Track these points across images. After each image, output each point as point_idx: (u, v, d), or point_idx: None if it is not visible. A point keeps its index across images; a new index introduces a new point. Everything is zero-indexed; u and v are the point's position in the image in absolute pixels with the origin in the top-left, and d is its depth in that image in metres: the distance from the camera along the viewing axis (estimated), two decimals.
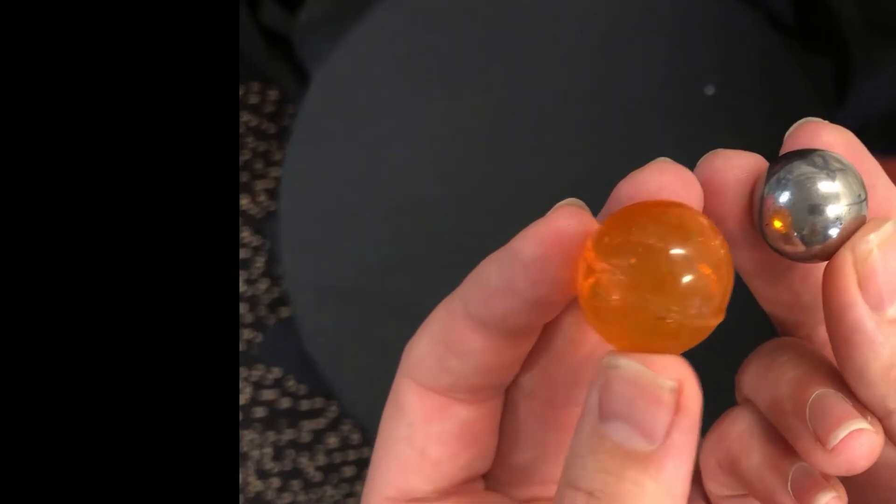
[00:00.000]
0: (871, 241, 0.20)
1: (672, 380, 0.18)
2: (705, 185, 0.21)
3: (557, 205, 0.21)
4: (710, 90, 0.50)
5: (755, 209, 0.21)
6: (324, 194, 0.52)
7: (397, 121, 0.51)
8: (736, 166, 0.21)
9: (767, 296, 0.23)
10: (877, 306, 0.19)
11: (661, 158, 0.21)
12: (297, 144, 0.52)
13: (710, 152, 0.21)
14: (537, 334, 0.22)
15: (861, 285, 0.19)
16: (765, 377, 0.22)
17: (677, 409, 0.18)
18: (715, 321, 0.19)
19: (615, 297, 0.19)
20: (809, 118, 0.21)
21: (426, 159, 0.52)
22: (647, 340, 0.19)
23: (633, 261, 0.19)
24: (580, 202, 0.21)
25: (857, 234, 0.20)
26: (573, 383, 0.23)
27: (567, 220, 0.20)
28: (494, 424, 0.23)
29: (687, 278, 0.19)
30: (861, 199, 0.20)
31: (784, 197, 0.20)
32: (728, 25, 0.50)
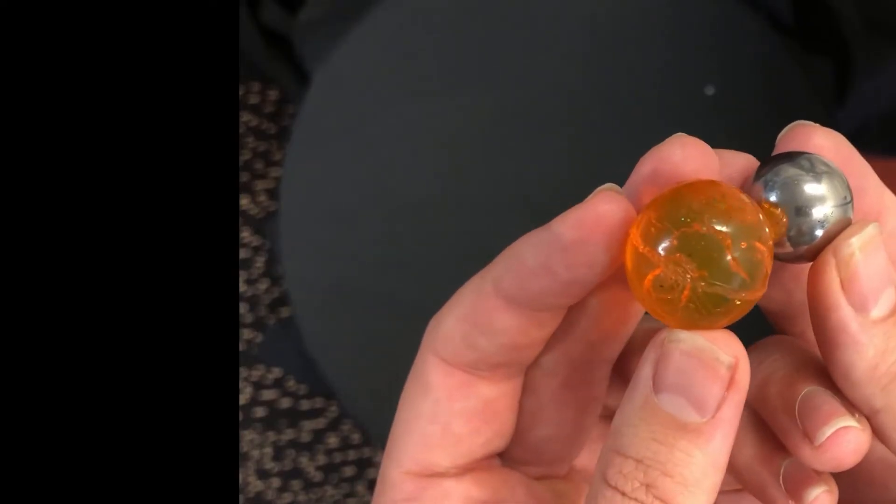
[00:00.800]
0: (853, 244, 0.20)
1: (730, 355, 0.19)
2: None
3: (597, 189, 0.21)
4: (710, 90, 0.50)
5: None
6: (324, 194, 0.52)
7: (397, 121, 0.51)
8: (725, 166, 0.21)
9: None
10: (860, 307, 0.20)
11: (680, 134, 0.21)
12: (297, 144, 0.52)
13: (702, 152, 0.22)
14: (563, 315, 0.23)
15: (844, 287, 0.20)
16: (757, 374, 0.22)
17: (730, 384, 0.19)
18: (764, 291, 0.20)
19: (683, 287, 0.19)
20: (801, 121, 0.22)
21: (427, 159, 0.52)
22: (707, 320, 0.20)
23: (694, 250, 0.19)
24: (617, 187, 0.21)
25: (840, 237, 0.20)
26: (592, 363, 0.24)
27: (608, 204, 0.20)
28: (514, 402, 0.24)
29: (748, 260, 0.19)
30: (846, 202, 0.20)
31: (771, 198, 0.20)
32: (728, 25, 0.50)
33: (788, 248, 0.21)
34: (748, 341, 0.23)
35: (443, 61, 0.51)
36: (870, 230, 0.20)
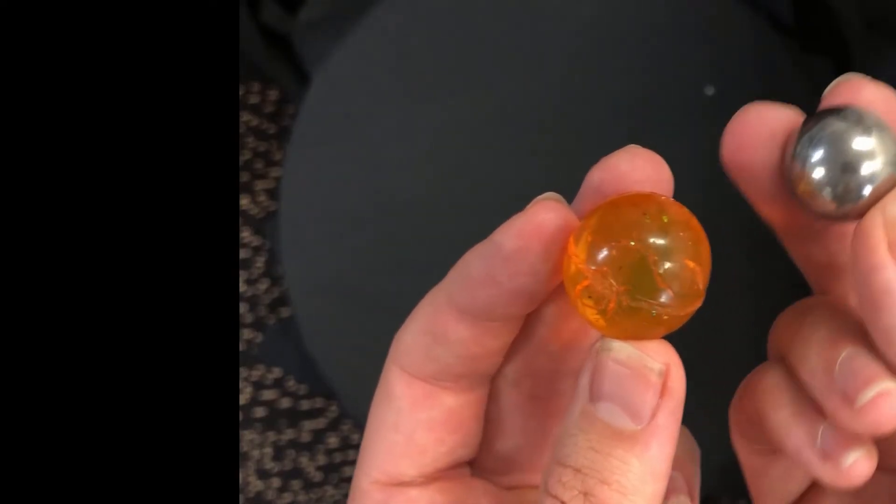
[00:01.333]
0: None
1: (660, 363, 0.19)
2: (738, 140, 0.21)
3: (536, 199, 0.21)
4: (710, 90, 0.50)
5: (787, 166, 0.20)
6: (324, 194, 0.52)
7: (398, 121, 0.51)
8: (769, 120, 0.21)
9: (801, 255, 0.23)
10: None
11: (632, 145, 0.21)
12: (297, 144, 0.52)
13: (746, 105, 0.21)
14: (519, 325, 0.23)
15: (891, 248, 0.19)
16: (796, 334, 0.22)
17: (663, 391, 0.19)
18: (697, 306, 0.20)
19: (609, 300, 0.19)
20: (850, 74, 0.21)
21: (427, 159, 0.51)
22: (637, 331, 0.20)
23: (622, 265, 0.19)
24: (559, 196, 0.21)
25: (890, 195, 0.19)
26: (555, 373, 0.24)
27: (546, 213, 0.21)
28: (479, 412, 0.24)
29: (675, 277, 0.19)
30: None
31: (817, 154, 0.20)
32: (728, 25, 0.50)
33: (833, 207, 0.20)
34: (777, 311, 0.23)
35: (443, 61, 0.51)
36: None
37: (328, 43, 0.52)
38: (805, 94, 0.50)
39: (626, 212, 0.20)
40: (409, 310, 0.23)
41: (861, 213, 0.20)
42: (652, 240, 0.19)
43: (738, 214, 0.54)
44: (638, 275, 0.19)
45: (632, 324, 0.20)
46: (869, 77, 0.21)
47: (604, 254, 0.19)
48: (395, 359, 0.23)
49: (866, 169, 0.19)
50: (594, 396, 0.20)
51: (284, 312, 0.68)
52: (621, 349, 0.20)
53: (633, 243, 0.19)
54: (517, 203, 0.50)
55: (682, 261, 0.19)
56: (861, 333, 0.21)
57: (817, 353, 0.21)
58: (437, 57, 0.51)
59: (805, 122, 0.20)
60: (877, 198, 0.20)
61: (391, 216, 0.52)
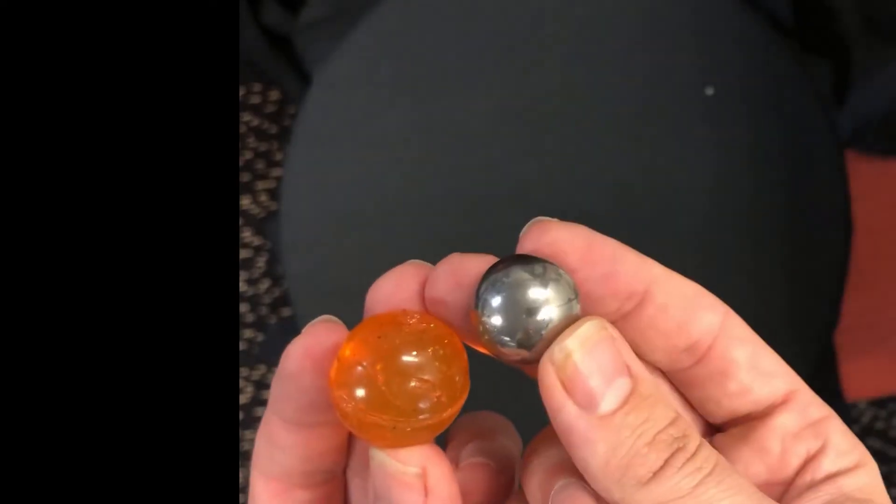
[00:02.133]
0: (568, 346, 0.20)
1: (415, 466, 0.21)
2: (432, 295, 0.22)
3: (312, 322, 0.23)
4: (710, 90, 0.50)
5: (470, 316, 0.21)
6: (324, 194, 0.52)
7: (398, 121, 0.51)
8: (459, 272, 0.22)
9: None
10: (586, 406, 0.20)
11: (410, 262, 0.22)
12: (298, 145, 0.52)
13: (450, 255, 0.22)
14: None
15: (567, 388, 0.20)
16: (529, 466, 0.23)
17: (425, 490, 0.21)
18: (456, 408, 0.21)
19: (355, 419, 0.21)
20: (538, 218, 0.22)
21: (426, 159, 0.52)
22: (397, 443, 0.21)
23: (360, 386, 0.20)
24: (332, 318, 0.23)
25: (555, 341, 0.20)
26: None
27: (315, 338, 0.22)
28: (338, 501, 0.25)
29: (417, 397, 0.20)
30: (569, 300, 0.20)
31: (495, 302, 0.20)
32: (728, 26, 0.50)
33: (516, 352, 0.20)
34: None
35: (442, 62, 0.51)
36: (587, 328, 0.20)
37: (328, 43, 0.52)
38: (804, 94, 0.50)
39: (372, 333, 0.21)
40: None
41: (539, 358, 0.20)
42: (390, 360, 0.20)
43: (738, 213, 0.54)
44: (373, 393, 0.20)
45: (385, 439, 0.21)
46: (555, 220, 0.22)
47: (344, 377, 0.21)
48: (253, 461, 0.25)
49: (543, 314, 0.20)
50: (375, 498, 0.21)
51: (285, 312, 0.68)
52: (374, 457, 0.21)
53: (371, 367, 0.20)
54: (517, 203, 0.51)
55: (426, 381, 0.20)
56: None
57: (538, 483, 0.22)
58: (437, 57, 0.51)
59: (487, 273, 0.21)
60: (550, 342, 0.20)
61: (391, 216, 0.52)
